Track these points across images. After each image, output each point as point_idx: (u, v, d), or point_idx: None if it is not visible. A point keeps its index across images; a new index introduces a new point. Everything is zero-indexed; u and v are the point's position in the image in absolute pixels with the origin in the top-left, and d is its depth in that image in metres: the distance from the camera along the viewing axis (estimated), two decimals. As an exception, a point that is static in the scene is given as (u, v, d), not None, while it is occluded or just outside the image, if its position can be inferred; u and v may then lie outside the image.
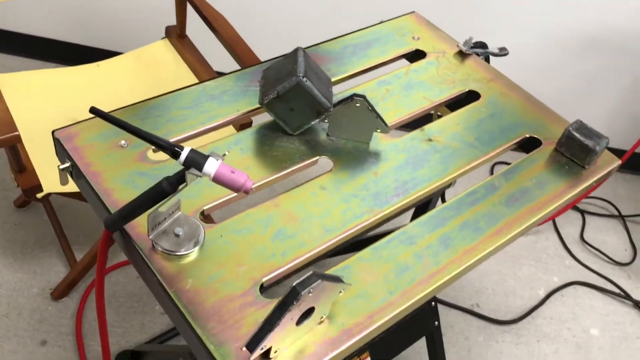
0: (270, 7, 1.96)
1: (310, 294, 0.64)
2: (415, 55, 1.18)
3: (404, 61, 1.18)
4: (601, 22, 1.93)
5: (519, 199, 0.93)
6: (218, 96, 0.99)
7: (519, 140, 1.04)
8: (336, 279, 0.69)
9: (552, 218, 2.03)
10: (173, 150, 0.65)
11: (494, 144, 1.01)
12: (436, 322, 1.41)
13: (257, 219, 0.82)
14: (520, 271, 1.89)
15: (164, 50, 1.63)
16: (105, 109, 0.75)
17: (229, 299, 0.73)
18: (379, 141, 0.97)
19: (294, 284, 0.63)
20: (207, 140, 0.92)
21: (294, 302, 0.63)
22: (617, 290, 1.89)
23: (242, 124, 1.24)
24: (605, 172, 1.01)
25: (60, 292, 1.50)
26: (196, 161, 0.65)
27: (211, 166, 0.65)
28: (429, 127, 1.02)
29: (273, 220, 0.83)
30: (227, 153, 0.78)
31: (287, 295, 0.63)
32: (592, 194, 2.15)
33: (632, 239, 2.06)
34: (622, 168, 2.22)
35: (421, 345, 1.53)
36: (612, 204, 2.16)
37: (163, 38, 1.66)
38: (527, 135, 1.04)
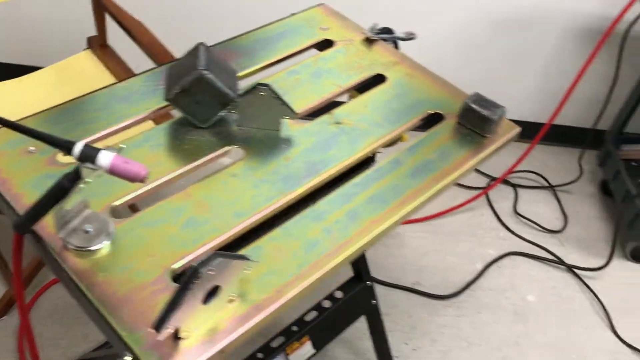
0: (187, 8, 1.99)
1: (211, 273, 0.67)
2: (324, 45, 1.22)
3: (314, 51, 1.22)
4: (514, 2, 2.01)
5: (423, 170, 0.98)
6: (128, 97, 1.01)
7: (423, 117, 1.09)
8: (239, 257, 0.72)
9: (484, 193, 2.11)
10: (66, 146, 0.67)
11: (400, 122, 1.06)
12: (373, 301, 1.46)
13: (169, 209, 0.85)
14: (457, 247, 1.96)
15: (87, 61, 1.64)
16: (4, 114, 0.76)
17: (142, 287, 0.75)
18: (289, 127, 1.01)
19: (194, 264, 0.66)
20: (118, 140, 0.94)
21: (195, 281, 0.66)
22: (551, 257, 1.97)
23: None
24: (505, 139, 1.07)
25: (-1, 311, 1.49)
26: (89, 154, 0.67)
27: (104, 158, 0.67)
28: (338, 111, 1.07)
29: (184, 209, 0.85)
30: (123, 147, 0.81)
31: (188, 275, 0.66)
32: (522, 168, 2.24)
33: (562, 207, 2.16)
34: (548, 140, 2.32)
35: (366, 327, 1.57)
36: (541, 176, 2.25)
37: (85, 49, 1.67)
38: (431, 112, 1.10)
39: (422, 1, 2.01)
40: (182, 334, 0.70)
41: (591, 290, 1.89)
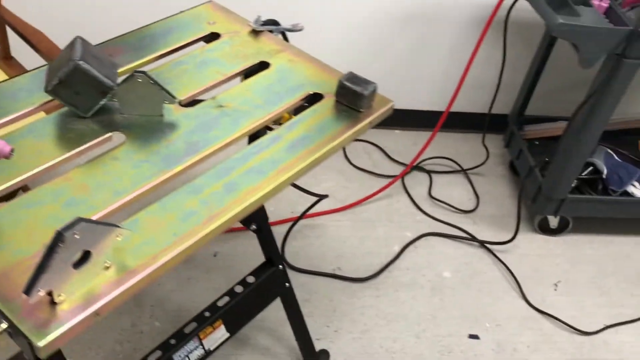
0: (83, 13, 2.03)
1: (76, 237, 0.72)
2: (212, 38, 1.28)
3: (201, 44, 1.28)
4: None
5: (300, 144, 1.05)
6: (13, 94, 1.05)
7: (304, 97, 1.16)
8: (107, 224, 0.77)
9: (397, 179, 2.20)
10: None
11: (280, 103, 1.13)
12: (287, 284, 1.52)
13: (48, 192, 0.89)
14: (376, 232, 2.04)
15: (-9, 74, 1.65)
16: None
17: (19, 262, 0.79)
18: (173, 112, 1.07)
19: (58, 228, 0.71)
20: (2, 134, 0.98)
21: (60, 244, 0.71)
22: (464, 235, 2.08)
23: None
24: (379, 112, 1.15)
25: None
26: (-50, 134, 0.71)
27: (-35, 137, 0.71)
28: (221, 96, 1.13)
29: (64, 191, 0.90)
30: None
31: (53, 239, 0.71)
32: (435, 154, 2.36)
33: (474, 188, 2.27)
34: (456, 127, 2.44)
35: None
36: (454, 161, 2.37)
37: (-11, 63, 1.68)
38: (311, 92, 1.17)
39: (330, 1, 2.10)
40: (57, 299, 0.75)
41: (503, 263, 2.00)
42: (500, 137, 2.45)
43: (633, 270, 2.05)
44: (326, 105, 1.15)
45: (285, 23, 1.35)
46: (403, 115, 2.41)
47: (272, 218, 2.01)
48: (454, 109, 2.37)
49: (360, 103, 1.13)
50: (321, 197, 1.88)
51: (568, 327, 1.84)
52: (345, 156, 2.33)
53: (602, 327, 1.85)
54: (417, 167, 2.31)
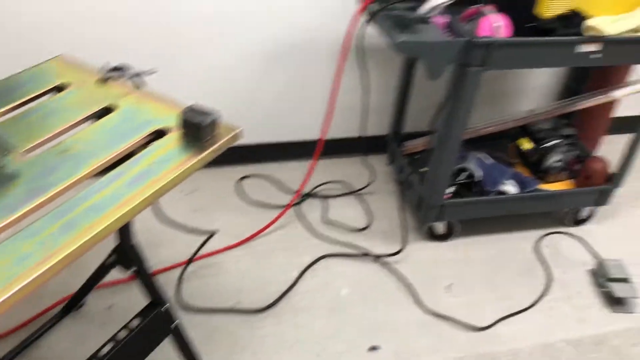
0: None
1: None
2: (60, 89, 1.32)
3: (50, 96, 1.31)
4: (287, 36, 2.23)
5: (143, 177, 1.09)
6: None
7: (150, 134, 1.21)
8: None
9: (287, 209, 2.26)
10: None
11: (125, 141, 1.17)
12: (174, 323, 1.53)
13: None
14: (274, 262, 2.08)
15: None
16: None
17: None
18: (13, 163, 1.09)
19: None
20: None
21: None
22: (359, 252, 2.15)
23: None
24: (224, 140, 1.21)
25: None
26: None
27: None
28: (65, 141, 1.16)
29: None
30: None
31: None
32: (327, 180, 2.44)
33: (368, 207, 2.36)
34: (345, 153, 2.55)
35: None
36: (345, 184, 2.45)
37: None
38: (158, 128, 1.22)
39: (204, 43, 2.18)
40: None
41: (397, 274, 2.08)
42: (385, 156, 2.57)
43: (520, 263, 2.18)
44: (171, 138, 1.20)
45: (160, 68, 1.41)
46: (295, 147, 2.50)
47: (166, 263, 2.02)
48: (336, 135, 2.48)
49: (202, 133, 1.18)
50: (210, 234, 1.91)
51: (463, 326, 1.92)
52: (239, 193, 2.37)
53: (494, 320, 1.95)
54: (311, 195, 2.38)
